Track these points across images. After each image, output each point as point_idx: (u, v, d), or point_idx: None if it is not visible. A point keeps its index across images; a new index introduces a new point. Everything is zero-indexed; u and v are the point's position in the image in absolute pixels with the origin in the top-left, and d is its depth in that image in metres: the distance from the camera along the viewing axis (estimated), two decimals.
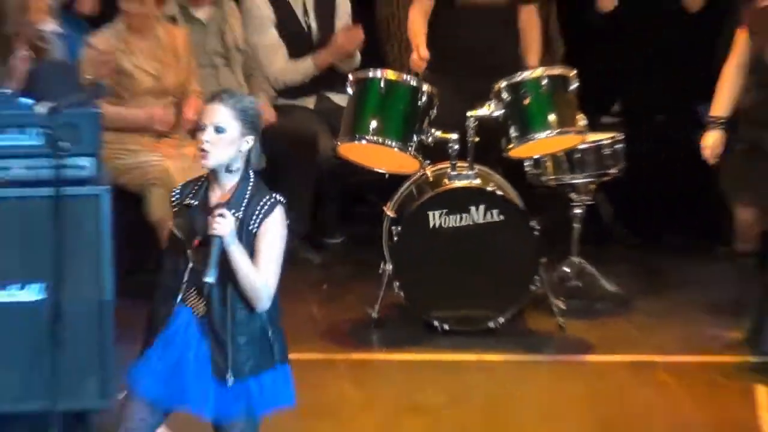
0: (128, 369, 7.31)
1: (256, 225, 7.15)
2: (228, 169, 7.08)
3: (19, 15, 10.28)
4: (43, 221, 8.48)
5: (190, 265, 7.18)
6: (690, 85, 12.18)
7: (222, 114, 7.10)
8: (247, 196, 7.17)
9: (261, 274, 7.19)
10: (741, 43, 10.35)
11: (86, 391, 8.69)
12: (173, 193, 7.36)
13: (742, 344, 10.39)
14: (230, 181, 7.18)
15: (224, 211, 6.98)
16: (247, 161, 7.18)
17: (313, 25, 11.99)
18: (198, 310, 7.30)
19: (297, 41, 11.90)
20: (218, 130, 7.06)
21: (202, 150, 7.09)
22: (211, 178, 7.19)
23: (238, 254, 7.04)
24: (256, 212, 7.13)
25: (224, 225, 6.97)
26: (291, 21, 11.94)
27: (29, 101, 8.96)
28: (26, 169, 8.88)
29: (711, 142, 10.27)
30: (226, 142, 7.09)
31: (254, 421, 7.32)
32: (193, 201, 7.26)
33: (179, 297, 7.25)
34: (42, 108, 8.68)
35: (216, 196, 7.17)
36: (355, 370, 10.08)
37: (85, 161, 8.84)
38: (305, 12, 12.01)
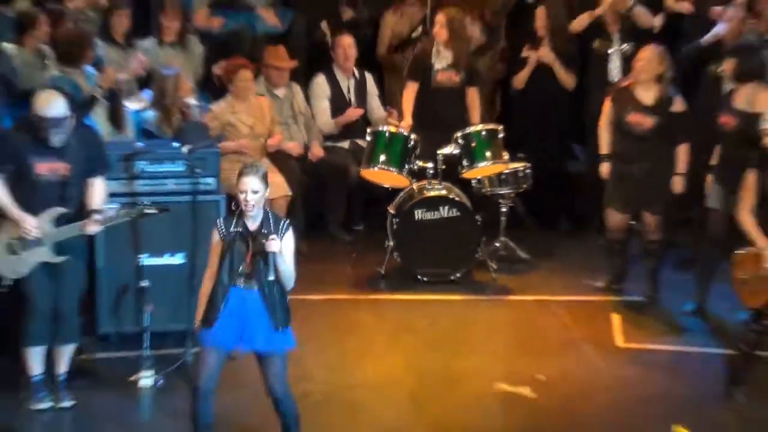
0: (200, 332, 7.98)
1: (281, 235, 7.86)
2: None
3: (174, 93, 10.77)
4: (185, 216, 9.58)
5: (242, 268, 7.85)
6: (568, 132, 12.77)
7: (255, 182, 7.78)
8: (271, 222, 7.88)
9: (290, 267, 7.90)
10: (608, 109, 10.75)
11: None
12: (220, 228, 7.86)
13: (605, 290, 11.13)
14: (259, 215, 7.88)
15: (274, 235, 7.71)
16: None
17: (353, 99, 12.29)
18: (251, 287, 7.94)
19: (342, 108, 12.22)
20: (255, 192, 7.78)
21: (247, 205, 7.76)
22: (246, 216, 7.83)
23: (281, 259, 7.77)
24: (280, 231, 7.84)
25: (275, 244, 7.69)
26: (339, 96, 12.22)
27: (178, 144, 9.93)
28: (175, 185, 9.83)
29: (605, 169, 10.76)
30: (260, 196, 7.81)
31: (285, 354, 8.08)
32: (238, 229, 7.85)
33: (232, 285, 7.90)
34: (185, 149, 9.79)
35: (253, 225, 7.85)
36: (370, 304, 10.84)
37: (209, 180, 9.85)
38: (348, 90, 12.26)
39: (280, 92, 12.01)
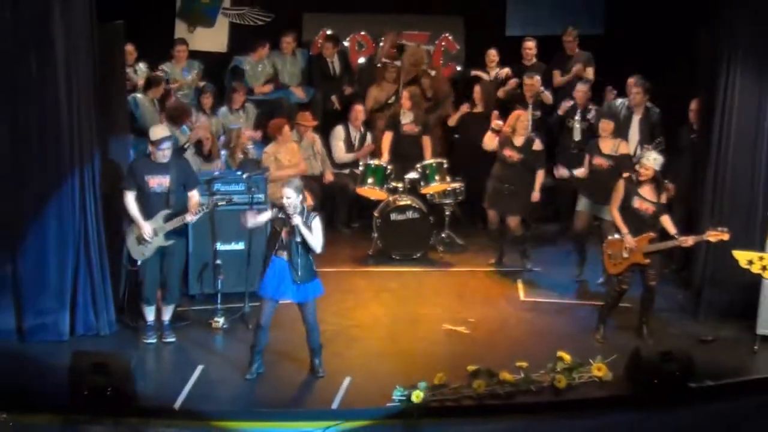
0: (259, 288, 8.12)
1: (310, 222, 8.00)
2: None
3: (236, 140, 10.61)
4: None
5: (282, 239, 7.95)
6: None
7: (289, 191, 7.93)
8: (305, 214, 7.99)
9: (317, 238, 8.03)
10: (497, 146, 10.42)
11: (258, 281, 8.53)
12: (275, 212, 8.00)
13: (493, 264, 10.75)
14: (296, 211, 7.95)
15: (297, 215, 7.89)
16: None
17: (357, 144, 11.81)
18: (284, 257, 8.04)
19: (349, 149, 11.78)
20: (288, 198, 7.90)
21: (288, 205, 7.89)
22: (287, 209, 7.93)
23: (304, 230, 7.88)
24: (309, 219, 7.96)
25: (297, 218, 7.87)
26: (348, 141, 11.77)
27: (241, 173, 9.87)
28: (238, 198, 9.52)
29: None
30: (293, 200, 7.91)
31: (313, 301, 8.17)
32: (283, 216, 7.97)
33: (274, 254, 8.04)
34: (245, 176, 9.76)
35: (299, 217, 7.95)
36: (362, 274, 10.58)
37: (260, 196, 9.72)
38: (355, 139, 11.83)
39: (306, 140, 11.66)
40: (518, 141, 10.46)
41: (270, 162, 10.98)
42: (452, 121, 11.93)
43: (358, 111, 11.78)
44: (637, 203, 8.87)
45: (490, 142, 10.64)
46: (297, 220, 7.88)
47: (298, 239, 7.91)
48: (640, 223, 8.90)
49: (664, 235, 8.95)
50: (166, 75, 11.56)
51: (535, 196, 10.51)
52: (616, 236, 9.00)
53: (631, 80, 10.89)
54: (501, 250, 10.86)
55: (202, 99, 11.40)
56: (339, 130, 11.80)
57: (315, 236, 8.01)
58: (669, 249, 9.01)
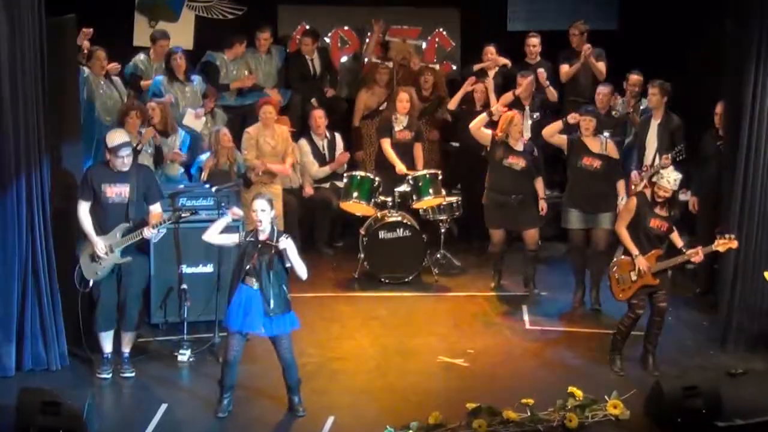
0: (225, 319, 8.09)
1: (282, 245, 7.89)
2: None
3: (216, 142, 10.71)
4: None
5: (248, 266, 7.89)
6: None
7: (264, 204, 7.93)
8: (275, 234, 7.92)
9: (300, 266, 8.00)
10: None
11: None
12: (242, 236, 8.00)
13: (492, 289, 10.80)
14: (266, 229, 7.93)
15: (285, 236, 7.88)
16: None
17: (327, 153, 11.81)
18: (253, 285, 7.97)
19: (322, 161, 11.77)
20: (263, 210, 7.88)
21: (259, 221, 7.86)
22: (258, 230, 7.93)
23: (291, 254, 7.85)
24: (282, 240, 7.86)
25: (284, 242, 7.85)
26: (317, 152, 11.75)
27: (208, 187, 9.92)
28: (207, 214, 9.43)
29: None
30: (266, 214, 7.91)
31: (288, 334, 8.09)
32: (252, 239, 7.96)
33: (241, 282, 7.97)
34: (213, 189, 9.73)
35: (263, 235, 7.92)
36: (347, 300, 10.59)
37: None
38: (323, 147, 11.80)
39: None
40: (518, 146, 10.51)
41: (250, 146, 11.04)
42: (452, 104, 11.92)
43: (317, 117, 11.77)
44: (651, 222, 8.90)
45: (477, 130, 10.67)
46: (285, 243, 7.85)
47: (273, 266, 7.89)
48: (653, 242, 8.94)
49: (669, 250, 9.05)
50: (138, 70, 11.59)
51: (543, 206, 10.64)
52: (623, 257, 9.01)
53: (633, 77, 11.09)
54: (500, 273, 10.91)
55: (171, 63, 11.32)
56: (303, 145, 11.79)
57: (297, 260, 8.00)
58: (678, 265, 9.05)
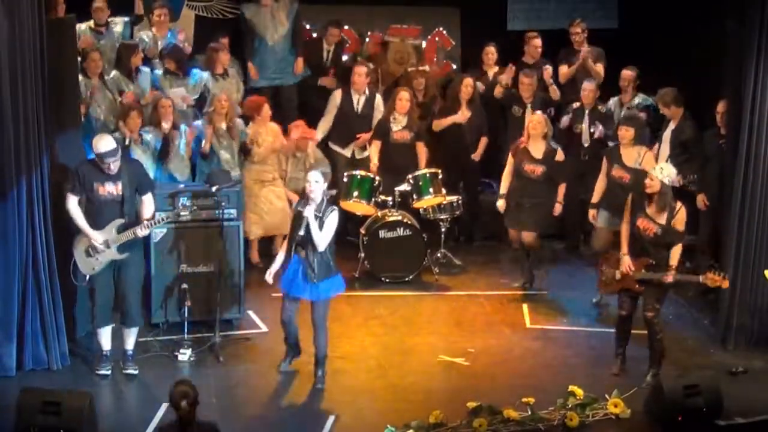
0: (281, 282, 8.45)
1: (326, 216, 8.30)
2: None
3: (212, 105, 10.84)
4: (215, 236, 9.53)
5: (300, 234, 8.28)
6: (485, 170, 12.04)
7: (317, 176, 8.35)
8: (324, 206, 8.31)
9: (325, 235, 8.28)
10: (510, 161, 10.53)
11: (230, 308, 9.57)
12: (295, 206, 8.49)
13: (519, 287, 10.79)
14: (317, 200, 8.29)
15: (309, 207, 8.21)
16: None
17: (360, 111, 11.70)
18: (300, 254, 8.42)
19: (350, 117, 11.66)
20: (317, 182, 8.27)
21: (311, 191, 8.26)
22: (310, 200, 8.27)
23: (313, 225, 8.18)
24: (326, 213, 8.28)
25: (307, 210, 8.19)
26: (351, 108, 11.69)
27: (210, 186, 9.73)
28: (207, 213, 9.58)
29: (501, 203, 10.59)
30: (319, 186, 8.30)
31: (326, 300, 8.52)
32: (301, 208, 8.33)
33: (295, 248, 8.39)
34: (214, 188, 9.65)
35: (314, 205, 8.30)
36: (347, 299, 10.22)
37: (232, 210, 9.70)
38: (358, 102, 11.73)
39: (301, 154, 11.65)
40: (537, 152, 10.48)
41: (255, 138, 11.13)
42: (437, 127, 11.85)
43: (358, 73, 11.65)
44: (639, 221, 8.71)
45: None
46: (308, 211, 8.15)
47: (310, 234, 8.17)
48: (644, 247, 8.72)
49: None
50: (144, 44, 11.52)
51: (557, 208, 10.65)
52: (618, 253, 8.92)
53: (627, 73, 11.06)
54: (530, 271, 10.85)
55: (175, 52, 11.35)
56: (335, 96, 11.75)
57: (324, 232, 8.24)
58: (661, 282, 8.70)
